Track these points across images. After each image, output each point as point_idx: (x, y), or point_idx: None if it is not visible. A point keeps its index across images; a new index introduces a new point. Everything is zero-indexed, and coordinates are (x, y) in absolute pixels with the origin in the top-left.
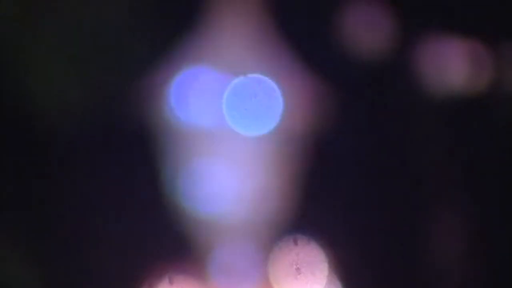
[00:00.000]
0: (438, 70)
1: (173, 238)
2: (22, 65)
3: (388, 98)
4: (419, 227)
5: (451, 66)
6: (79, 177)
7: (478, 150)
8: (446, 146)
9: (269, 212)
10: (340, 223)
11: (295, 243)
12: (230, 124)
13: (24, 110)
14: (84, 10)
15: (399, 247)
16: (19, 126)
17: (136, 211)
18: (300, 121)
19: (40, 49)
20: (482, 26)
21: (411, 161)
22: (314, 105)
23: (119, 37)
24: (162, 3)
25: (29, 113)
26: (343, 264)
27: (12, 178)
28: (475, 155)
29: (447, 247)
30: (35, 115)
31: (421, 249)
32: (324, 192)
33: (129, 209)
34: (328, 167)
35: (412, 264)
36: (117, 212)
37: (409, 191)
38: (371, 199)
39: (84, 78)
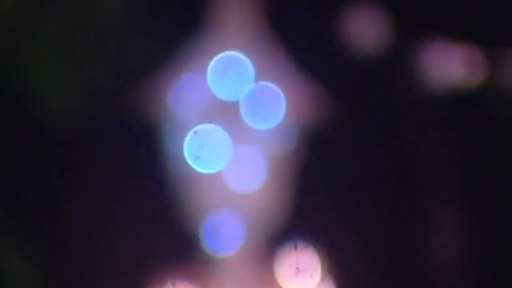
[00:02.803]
0: (437, 69)
1: (176, 241)
2: (22, 64)
3: (387, 97)
4: (418, 229)
5: (450, 65)
6: (81, 177)
7: (477, 148)
8: (445, 144)
9: (268, 214)
10: (339, 225)
11: (295, 248)
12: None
13: (23, 109)
14: (85, 8)
15: (399, 249)
16: (18, 125)
17: (138, 213)
18: (299, 121)
19: (41, 49)
20: (479, 26)
21: (410, 162)
22: (313, 105)
23: (121, 37)
24: (163, 4)
25: (29, 112)
26: (344, 267)
27: (12, 177)
28: (475, 154)
29: (446, 248)
30: (35, 114)
31: (420, 252)
32: (322, 194)
33: (131, 211)
34: (326, 169)
35: (411, 266)
36: (119, 215)
37: (408, 192)
38: (370, 200)
39: (86, 78)
